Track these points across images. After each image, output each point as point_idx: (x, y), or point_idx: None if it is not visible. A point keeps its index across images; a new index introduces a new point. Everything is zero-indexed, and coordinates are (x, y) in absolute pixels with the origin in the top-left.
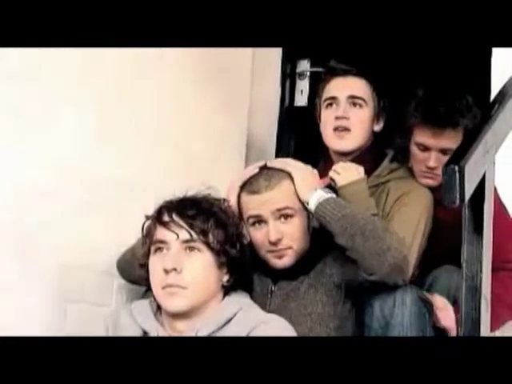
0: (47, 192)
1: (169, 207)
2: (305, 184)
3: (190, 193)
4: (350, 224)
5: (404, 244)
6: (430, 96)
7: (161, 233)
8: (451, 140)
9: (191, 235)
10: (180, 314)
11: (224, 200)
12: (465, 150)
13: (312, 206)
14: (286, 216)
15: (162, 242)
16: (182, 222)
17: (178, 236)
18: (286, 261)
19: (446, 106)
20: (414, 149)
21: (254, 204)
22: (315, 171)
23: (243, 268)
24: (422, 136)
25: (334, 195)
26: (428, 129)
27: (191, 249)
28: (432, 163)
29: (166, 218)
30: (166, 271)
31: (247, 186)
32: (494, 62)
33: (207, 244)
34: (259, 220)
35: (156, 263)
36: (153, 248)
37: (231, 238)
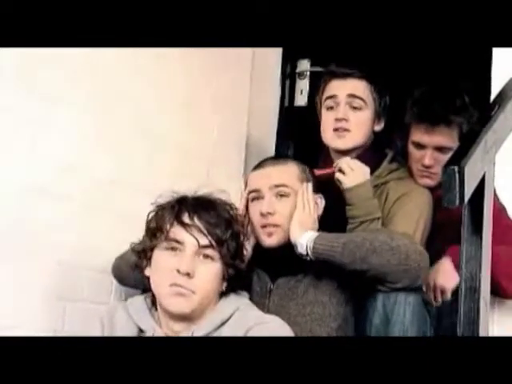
0: (47, 192)
1: (188, 208)
2: (300, 221)
3: (200, 193)
4: (356, 248)
5: (412, 238)
6: (425, 94)
7: (179, 233)
8: (445, 137)
9: (211, 243)
10: (180, 315)
11: (235, 207)
12: (465, 150)
13: (303, 247)
14: (282, 195)
15: (178, 242)
16: (202, 228)
17: (198, 241)
18: (273, 239)
19: (439, 104)
20: (410, 148)
21: (255, 178)
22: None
23: (242, 279)
24: (417, 134)
25: (319, 233)
26: (422, 126)
27: (205, 256)
28: (427, 161)
29: (186, 219)
30: (179, 272)
31: None
32: (495, 62)
33: (221, 254)
34: (258, 196)
35: (167, 260)
36: (165, 244)
37: (241, 250)
